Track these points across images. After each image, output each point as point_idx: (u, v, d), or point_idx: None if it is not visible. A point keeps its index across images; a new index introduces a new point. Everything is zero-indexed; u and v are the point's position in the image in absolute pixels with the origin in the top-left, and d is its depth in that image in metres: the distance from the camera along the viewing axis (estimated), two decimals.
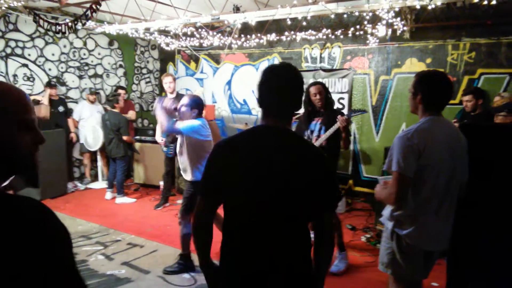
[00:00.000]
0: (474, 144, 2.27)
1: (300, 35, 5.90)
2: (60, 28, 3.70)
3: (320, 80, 6.33)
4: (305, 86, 6.41)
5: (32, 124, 1.01)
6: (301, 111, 5.11)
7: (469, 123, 3.95)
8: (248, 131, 1.66)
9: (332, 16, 4.88)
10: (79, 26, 3.46)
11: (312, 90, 3.80)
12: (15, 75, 6.11)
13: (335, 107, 3.95)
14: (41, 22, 3.68)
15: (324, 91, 3.80)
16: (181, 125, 3.50)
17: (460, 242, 2.39)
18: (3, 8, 3.99)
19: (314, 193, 1.53)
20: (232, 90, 7.65)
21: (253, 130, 1.67)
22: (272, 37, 6.21)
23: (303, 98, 3.89)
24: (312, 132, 3.88)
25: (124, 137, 6.06)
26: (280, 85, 1.57)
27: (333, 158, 3.96)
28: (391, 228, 2.29)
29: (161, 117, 3.47)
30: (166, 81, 5.58)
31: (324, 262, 1.70)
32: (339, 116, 3.61)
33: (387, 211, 2.35)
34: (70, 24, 3.54)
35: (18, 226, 0.86)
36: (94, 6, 3.06)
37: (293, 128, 4.07)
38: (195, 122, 3.51)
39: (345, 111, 6.19)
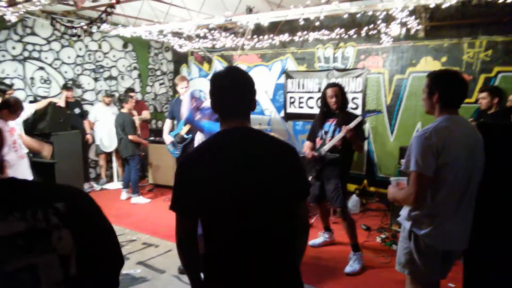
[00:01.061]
0: (491, 143, 2.24)
1: (313, 35, 5.89)
2: (76, 31, 3.76)
3: (333, 80, 6.32)
4: (322, 87, 6.38)
5: None
6: (317, 111, 5.12)
7: (486, 122, 3.89)
8: (211, 139, 1.64)
9: (345, 15, 4.87)
10: (94, 29, 3.52)
11: (329, 92, 3.80)
12: (32, 78, 6.22)
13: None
14: (57, 25, 3.74)
15: (340, 93, 3.80)
16: (204, 123, 3.55)
17: (478, 242, 2.35)
18: (21, 12, 4.07)
19: (288, 183, 1.54)
20: None
21: (216, 136, 1.62)
22: (285, 37, 6.20)
23: (320, 98, 3.92)
24: (326, 133, 3.88)
25: (130, 137, 6.09)
26: (231, 85, 1.58)
27: (347, 159, 3.95)
28: (409, 228, 2.27)
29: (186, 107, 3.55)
30: (182, 86, 5.56)
31: (299, 251, 1.71)
32: (343, 126, 3.62)
33: (404, 211, 2.33)
34: (85, 27, 3.60)
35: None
36: (108, 9, 3.11)
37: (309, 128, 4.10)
38: (216, 127, 3.53)
39: (359, 111, 6.16)
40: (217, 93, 1.61)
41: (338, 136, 3.71)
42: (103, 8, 3.59)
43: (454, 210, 2.17)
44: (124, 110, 6.23)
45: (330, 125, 3.86)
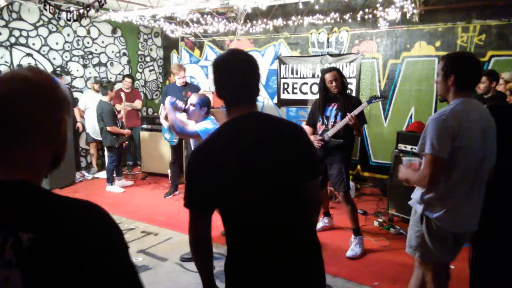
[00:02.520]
0: (503, 125, 2.26)
1: (307, 20, 5.84)
2: (71, 15, 3.63)
3: (327, 65, 6.30)
4: (317, 72, 6.36)
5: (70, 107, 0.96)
6: (316, 96, 5.12)
7: (498, 104, 3.92)
8: (222, 128, 1.58)
9: None
10: (91, 13, 3.41)
11: (328, 77, 3.77)
12: (20, 65, 6.03)
13: None
14: (51, 9, 3.61)
15: (339, 77, 3.78)
16: (196, 127, 3.46)
17: (487, 224, 2.39)
18: None
19: (301, 163, 1.56)
20: None
21: (226, 125, 1.57)
22: (279, 22, 6.13)
23: (319, 84, 3.90)
24: (327, 117, 3.87)
25: (108, 128, 5.88)
26: (239, 69, 1.52)
27: (350, 144, 3.96)
28: (421, 212, 2.29)
29: (172, 117, 3.43)
30: (180, 76, 5.44)
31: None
32: (348, 114, 3.62)
33: (416, 194, 2.34)
34: (82, 11, 3.48)
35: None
36: None
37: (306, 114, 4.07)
38: (209, 125, 3.49)
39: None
40: (224, 79, 1.55)
41: (342, 122, 3.70)
42: None
43: (466, 193, 2.19)
44: (105, 99, 5.93)
45: (331, 109, 3.85)
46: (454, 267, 3.37)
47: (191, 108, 3.54)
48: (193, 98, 3.57)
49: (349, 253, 3.85)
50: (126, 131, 6.23)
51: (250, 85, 1.55)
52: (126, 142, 6.60)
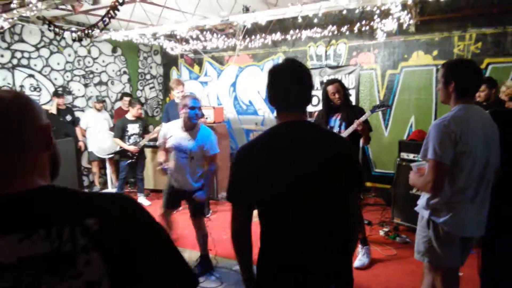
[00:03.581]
0: (506, 129, 2.29)
1: (305, 33, 5.92)
2: (76, 35, 3.70)
3: (326, 77, 6.37)
4: (317, 85, 6.41)
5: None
6: (319, 107, 5.17)
7: (500, 109, 3.96)
8: (271, 130, 1.66)
9: (337, 12, 4.91)
10: (95, 32, 3.47)
11: (330, 89, 3.81)
12: (22, 86, 6.10)
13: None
14: (56, 30, 3.67)
15: (342, 88, 3.82)
16: (213, 151, 3.65)
17: (497, 230, 2.40)
18: (15, 18, 3.97)
19: (342, 176, 1.60)
20: (237, 91, 7.67)
21: (275, 128, 1.65)
22: (277, 36, 6.22)
23: (322, 95, 3.94)
24: (332, 128, 3.90)
25: (114, 139, 6.28)
26: (295, 77, 1.61)
27: (356, 153, 3.99)
28: (427, 217, 2.31)
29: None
30: (179, 90, 5.51)
31: (353, 243, 1.79)
32: (355, 120, 3.65)
33: (422, 200, 2.36)
34: (87, 31, 3.54)
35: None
36: (112, 12, 3.06)
37: None
38: (213, 135, 3.71)
39: None
40: (278, 86, 1.63)
41: (350, 128, 3.71)
42: (99, 12, 3.53)
43: (471, 198, 2.21)
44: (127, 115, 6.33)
45: (335, 120, 3.88)
46: (463, 273, 3.36)
47: (196, 110, 3.57)
48: (192, 101, 3.55)
49: (356, 263, 3.84)
50: (131, 148, 6.23)
51: (302, 94, 1.63)
52: (133, 159, 6.50)
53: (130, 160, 6.25)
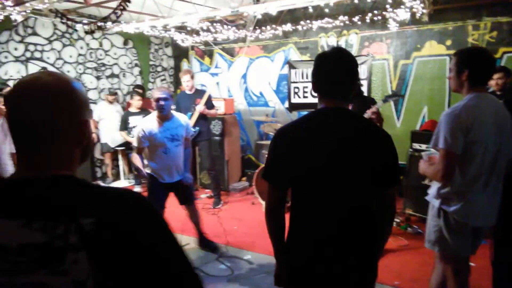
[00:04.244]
0: None
1: (316, 24, 5.88)
2: (89, 27, 3.73)
3: None
4: None
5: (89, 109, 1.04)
6: None
7: None
8: (310, 114, 1.70)
9: (348, 1, 4.85)
10: (107, 24, 3.49)
11: None
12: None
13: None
14: (68, 23, 3.71)
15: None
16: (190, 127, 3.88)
17: (507, 218, 2.38)
18: (28, 11, 4.02)
19: (379, 169, 1.59)
20: (248, 83, 7.66)
21: (315, 113, 1.69)
22: (288, 27, 6.19)
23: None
24: None
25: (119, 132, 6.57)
26: (339, 65, 1.63)
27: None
28: (438, 206, 2.30)
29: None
30: (185, 79, 5.57)
31: (385, 235, 1.79)
32: (368, 110, 3.61)
33: (433, 189, 2.35)
34: (99, 23, 3.57)
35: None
36: (123, 4, 3.07)
37: None
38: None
39: None
40: (323, 73, 1.66)
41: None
42: (111, 4, 3.55)
43: (483, 187, 2.20)
44: (130, 107, 6.44)
45: None
46: (475, 264, 3.34)
47: (161, 102, 3.54)
48: (161, 94, 3.56)
49: None
50: (132, 140, 6.28)
51: (345, 82, 1.65)
52: None
53: (131, 153, 6.34)
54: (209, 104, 5.67)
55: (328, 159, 1.56)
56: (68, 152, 0.95)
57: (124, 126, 6.44)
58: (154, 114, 3.67)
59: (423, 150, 4.48)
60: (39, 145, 0.91)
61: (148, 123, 3.64)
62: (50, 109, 0.89)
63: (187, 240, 4.55)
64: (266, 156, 1.70)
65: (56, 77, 0.93)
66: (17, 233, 0.81)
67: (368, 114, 3.62)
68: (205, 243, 4.23)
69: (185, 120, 3.84)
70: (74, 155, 0.97)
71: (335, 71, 1.63)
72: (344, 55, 1.66)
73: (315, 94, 1.71)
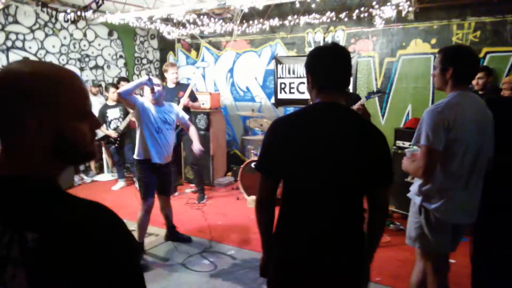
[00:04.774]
0: (500, 117, 2.28)
1: (303, 19, 5.86)
2: (69, 17, 3.64)
3: None
4: None
5: (88, 111, 0.92)
6: (308, 96, 5.13)
7: (495, 97, 3.95)
8: (306, 108, 1.71)
9: None
10: (89, 14, 3.41)
11: None
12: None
13: None
14: (48, 11, 3.61)
15: None
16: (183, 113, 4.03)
17: (488, 216, 2.41)
18: None
19: (372, 167, 1.59)
20: (234, 77, 7.62)
21: (311, 107, 1.70)
22: (275, 22, 6.16)
23: None
24: None
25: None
26: (336, 59, 1.64)
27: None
28: (419, 203, 2.32)
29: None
30: (171, 72, 5.51)
31: (377, 235, 1.81)
32: (355, 105, 3.60)
33: (414, 186, 2.37)
34: (80, 13, 3.49)
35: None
36: None
37: None
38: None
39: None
40: (322, 68, 1.66)
41: None
42: None
43: (463, 185, 2.22)
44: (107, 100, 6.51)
45: None
46: (455, 261, 3.39)
47: (159, 88, 3.72)
48: (156, 81, 3.74)
49: None
50: (110, 133, 6.26)
51: (343, 77, 1.67)
52: (115, 144, 6.50)
53: (113, 145, 6.28)
54: (193, 97, 5.62)
55: (324, 154, 1.56)
56: (26, 148, 0.84)
57: (102, 119, 6.29)
58: (146, 98, 3.77)
59: (406, 148, 4.52)
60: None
61: (146, 102, 3.74)
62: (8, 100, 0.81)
63: (157, 232, 4.54)
64: (261, 148, 1.69)
65: (31, 66, 0.86)
66: None
67: (356, 108, 3.61)
68: (174, 236, 4.28)
69: (176, 108, 4.01)
70: (37, 148, 0.85)
71: (334, 66, 1.63)
72: (342, 50, 1.67)
73: (303, 90, 1.71)
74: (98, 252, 0.78)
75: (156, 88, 3.66)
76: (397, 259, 3.77)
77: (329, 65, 1.64)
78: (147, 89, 3.70)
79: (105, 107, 6.40)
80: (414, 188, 2.38)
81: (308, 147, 1.56)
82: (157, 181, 3.88)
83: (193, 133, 4.02)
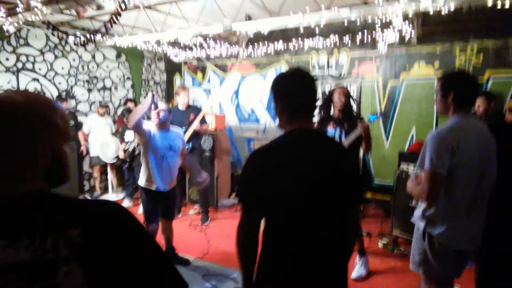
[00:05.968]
0: (503, 142, 2.28)
1: (307, 43, 5.95)
2: (78, 40, 3.74)
3: (328, 85, 6.40)
4: (318, 94, 6.43)
5: (71, 134, 1.04)
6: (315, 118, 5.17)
7: (498, 122, 3.96)
8: (282, 137, 1.67)
9: (339, 23, 4.91)
10: (98, 37, 3.50)
11: (338, 92, 3.82)
12: (26, 90, 6.14)
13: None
14: (59, 34, 3.71)
15: (347, 95, 3.84)
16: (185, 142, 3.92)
17: (493, 242, 2.39)
18: (20, 22, 4.02)
19: (349, 188, 1.64)
20: (239, 99, 7.69)
21: (286, 136, 1.67)
22: (279, 45, 6.25)
23: (323, 102, 3.93)
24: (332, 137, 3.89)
25: None
26: (304, 84, 1.65)
27: (356, 163, 3.97)
28: (423, 229, 2.30)
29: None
30: (182, 95, 5.57)
31: (349, 250, 1.82)
32: (359, 123, 3.62)
33: (418, 210, 2.36)
34: (89, 36, 3.58)
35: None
36: (114, 18, 3.09)
37: None
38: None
39: None
40: (291, 94, 1.65)
41: (355, 134, 3.66)
42: (104, 18, 3.57)
43: (467, 210, 2.21)
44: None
45: (334, 129, 3.87)
46: (461, 286, 3.33)
47: (162, 113, 3.63)
48: (162, 105, 3.67)
49: (354, 274, 3.81)
50: (120, 154, 6.44)
51: (312, 101, 1.67)
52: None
53: (125, 166, 6.35)
54: (202, 120, 5.69)
55: (304, 182, 1.56)
56: (29, 171, 0.92)
57: (121, 139, 6.43)
58: (153, 122, 3.72)
59: (410, 172, 4.51)
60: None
61: (151, 127, 3.70)
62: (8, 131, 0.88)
63: None
64: (240, 180, 1.67)
65: (21, 94, 0.93)
66: (1, 254, 0.80)
67: (360, 128, 3.61)
68: (173, 258, 4.23)
69: (181, 134, 3.99)
70: (37, 174, 0.94)
71: (303, 92, 1.64)
72: (308, 76, 1.67)
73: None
74: (128, 232, 0.95)
75: (161, 114, 3.61)
76: (402, 285, 3.71)
77: (299, 91, 1.64)
78: (153, 113, 3.64)
79: (124, 127, 6.41)
80: (418, 212, 2.37)
81: (290, 177, 1.57)
82: (160, 208, 3.86)
83: (192, 163, 4.03)
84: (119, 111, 7.55)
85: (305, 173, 1.57)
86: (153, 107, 3.61)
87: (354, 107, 3.99)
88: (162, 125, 3.70)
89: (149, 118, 3.88)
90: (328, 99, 3.87)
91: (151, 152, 3.67)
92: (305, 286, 1.60)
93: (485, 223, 2.29)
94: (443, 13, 3.79)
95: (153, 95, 3.64)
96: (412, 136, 5.92)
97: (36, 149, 0.92)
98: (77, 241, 0.85)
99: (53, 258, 0.82)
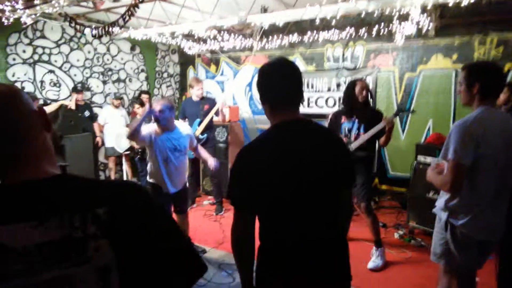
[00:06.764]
0: None
1: (322, 35, 5.90)
2: (96, 32, 3.77)
3: (343, 79, 6.35)
4: (333, 86, 6.37)
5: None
6: (332, 110, 5.14)
7: None
8: (266, 132, 1.62)
9: (355, 14, 4.88)
10: (115, 29, 3.52)
11: (360, 85, 3.80)
12: (42, 81, 6.22)
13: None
14: (77, 27, 3.75)
15: (368, 88, 3.83)
16: (186, 131, 3.79)
17: None
18: (37, 14, 4.06)
19: (342, 170, 1.63)
20: (253, 91, 7.69)
21: (275, 128, 1.61)
22: (294, 38, 6.21)
23: (346, 94, 3.91)
24: (350, 130, 3.87)
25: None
26: (290, 74, 1.61)
27: (372, 156, 3.96)
28: (445, 219, 2.29)
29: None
30: (197, 88, 5.60)
31: (345, 231, 1.85)
32: (386, 116, 3.62)
33: (440, 201, 2.34)
34: (107, 28, 3.60)
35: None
36: (132, 9, 3.10)
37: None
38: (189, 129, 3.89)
39: None
40: (271, 84, 1.61)
41: (377, 127, 3.66)
42: (121, 10, 3.59)
43: (491, 201, 2.19)
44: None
45: (353, 122, 3.85)
46: (480, 279, 3.31)
47: (166, 113, 3.51)
48: (163, 104, 3.54)
49: (370, 264, 3.81)
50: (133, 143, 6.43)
51: (295, 91, 1.62)
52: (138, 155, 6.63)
53: (137, 156, 6.41)
54: (217, 112, 5.72)
55: (296, 175, 1.53)
56: (45, 143, 0.98)
57: None
58: (153, 125, 3.66)
59: (428, 164, 4.48)
60: (19, 142, 0.94)
61: (151, 129, 3.63)
62: (16, 109, 0.94)
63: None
64: (231, 180, 1.62)
65: (4, 85, 1.00)
66: (31, 235, 0.83)
67: (382, 123, 3.62)
68: None
69: (188, 131, 3.83)
70: (49, 146, 0.99)
71: (289, 82, 1.59)
72: (293, 65, 1.63)
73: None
74: (152, 213, 0.99)
75: (160, 115, 3.50)
76: (419, 276, 3.69)
77: (285, 81, 1.59)
78: (153, 125, 3.61)
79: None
80: (440, 203, 2.35)
81: (278, 169, 1.52)
82: (169, 203, 3.81)
83: (201, 151, 4.02)
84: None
85: (292, 166, 1.52)
86: (152, 118, 3.57)
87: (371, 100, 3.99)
88: (164, 128, 3.60)
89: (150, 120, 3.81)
90: (350, 93, 3.84)
91: (154, 156, 3.63)
92: (304, 282, 1.57)
93: (508, 213, 2.27)
94: (462, 5, 3.71)
95: (150, 107, 3.59)
96: (429, 129, 5.86)
97: (44, 123, 0.98)
98: (103, 218, 0.89)
99: (82, 236, 0.86)
